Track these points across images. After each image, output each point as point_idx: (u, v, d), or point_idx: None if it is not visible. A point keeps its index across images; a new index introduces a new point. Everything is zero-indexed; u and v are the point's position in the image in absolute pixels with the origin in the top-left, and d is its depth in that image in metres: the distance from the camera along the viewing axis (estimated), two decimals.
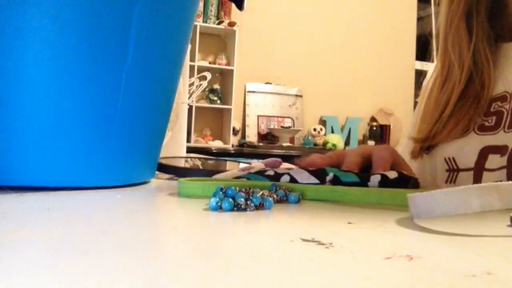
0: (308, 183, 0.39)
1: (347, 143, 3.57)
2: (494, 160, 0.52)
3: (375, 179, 0.38)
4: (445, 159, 0.56)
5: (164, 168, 0.53)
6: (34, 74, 0.34)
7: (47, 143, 0.35)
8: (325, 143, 3.39)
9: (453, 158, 0.55)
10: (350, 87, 3.59)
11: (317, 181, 0.39)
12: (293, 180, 0.40)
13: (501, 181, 0.51)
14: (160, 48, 0.39)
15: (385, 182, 0.38)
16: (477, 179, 0.52)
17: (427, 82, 0.65)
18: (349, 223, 0.28)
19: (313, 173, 0.40)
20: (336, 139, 3.40)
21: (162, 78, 0.41)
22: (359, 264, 0.19)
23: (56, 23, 0.33)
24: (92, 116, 0.36)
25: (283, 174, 0.40)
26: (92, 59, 0.35)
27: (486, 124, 0.53)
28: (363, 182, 0.39)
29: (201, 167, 0.60)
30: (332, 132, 3.55)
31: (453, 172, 0.55)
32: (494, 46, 0.56)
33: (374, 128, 3.61)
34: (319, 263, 0.19)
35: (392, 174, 0.39)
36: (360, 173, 0.40)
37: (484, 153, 0.53)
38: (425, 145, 0.58)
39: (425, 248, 0.23)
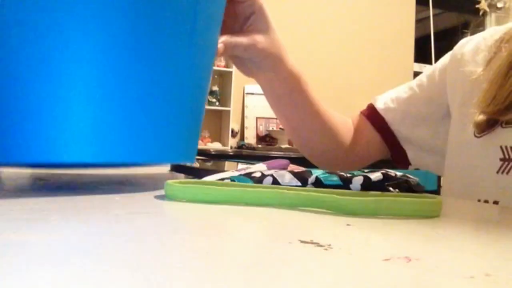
0: (291, 185, 0.39)
1: None
2: None
3: (357, 181, 0.38)
4: (500, 147, 0.52)
5: (180, 169, 0.53)
6: (82, 50, 0.33)
7: (93, 118, 0.34)
8: None
9: (511, 147, 0.51)
10: (348, 89, 3.60)
11: (299, 184, 0.39)
12: (275, 182, 0.40)
13: None
14: (210, 36, 0.41)
15: (367, 184, 0.38)
16: None
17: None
18: (348, 224, 0.28)
19: (296, 175, 0.40)
20: None
21: (207, 67, 0.42)
22: (357, 266, 0.19)
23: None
24: (141, 94, 0.36)
25: (267, 176, 0.40)
26: (151, 38, 0.35)
27: None
28: (345, 184, 0.38)
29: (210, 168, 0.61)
30: None
31: (508, 162, 0.51)
32: None
33: None
34: (318, 264, 0.19)
35: (375, 175, 0.38)
36: (343, 174, 0.40)
37: None
38: (496, 118, 0.53)
39: (424, 250, 0.23)
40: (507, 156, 0.51)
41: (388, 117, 0.66)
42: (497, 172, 0.51)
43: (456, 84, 0.61)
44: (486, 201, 0.52)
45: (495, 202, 0.51)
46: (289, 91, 0.61)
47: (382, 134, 0.66)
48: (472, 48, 0.61)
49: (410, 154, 0.66)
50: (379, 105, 0.67)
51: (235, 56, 0.55)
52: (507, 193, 0.51)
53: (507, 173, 0.51)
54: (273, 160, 0.52)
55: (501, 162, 0.51)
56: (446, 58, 0.65)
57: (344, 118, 0.69)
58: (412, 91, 0.66)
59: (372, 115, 0.67)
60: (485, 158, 0.53)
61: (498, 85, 0.52)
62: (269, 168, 0.46)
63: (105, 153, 0.35)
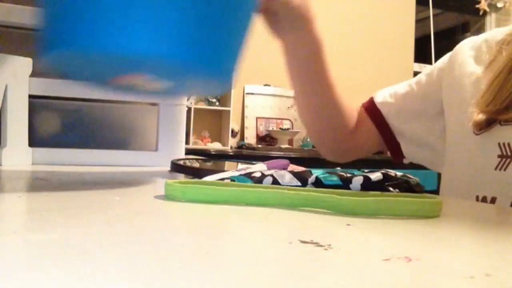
0: (290, 185, 0.39)
1: None
2: None
3: (357, 181, 0.38)
4: (498, 143, 0.53)
5: (180, 169, 0.53)
6: None
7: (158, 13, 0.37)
8: None
9: (508, 144, 0.52)
10: (348, 89, 3.59)
11: (299, 184, 0.39)
12: (275, 182, 0.40)
13: None
14: None
15: (367, 184, 0.38)
16: None
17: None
18: (348, 224, 0.28)
19: (296, 175, 0.40)
20: None
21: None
22: (357, 266, 0.19)
23: None
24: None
25: (267, 176, 0.40)
26: None
27: None
28: (345, 184, 0.38)
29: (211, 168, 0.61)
30: None
31: (506, 159, 0.52)
32: None
33: None
34: (318, 264, 0.19)
35: (375, 175, 0.38)
36: (343, 173, 0.40)
37: None
38: (495, 117, 0.53)
39: (424, 250, 0.23)
40: (504, 153, 0.52)
41: (384, 111, 0.68)
42: (495, 168, 0.52)
43: (454, 84, 0.62)
44: (484, 198, 0.53)
45: (493, 198, 0.52)
46: (310, 55, 0.64)
47: (378, 127, 0.69)
48: (474, 49, 0.62)
49: (404, 148, 0.68)
50: (378, 99, 0.70)
51: (270, 13, 0.58)
52: (504, 190, 0.51)
53: (505, 169, 0.51)
54: (273, 160, 0.52)
55: (499, 159, 0.52)
56: (445, 58, 0.66)
57: (350, 103, 0.72)
58: (410, 87, 0.68)
59: (370, 107, 0.71)
60: (484, 155, 0.54)
61: (499, 86, 0.53)
62: (269, 168, 0.46)
63: (163, 46, 0.37)
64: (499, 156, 0.52)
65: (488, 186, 0.53)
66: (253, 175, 0.41)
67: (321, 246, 0.22)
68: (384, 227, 0.28)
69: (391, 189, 0.38)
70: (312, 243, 0.22)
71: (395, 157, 0.70)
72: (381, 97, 0.70)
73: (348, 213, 0.32)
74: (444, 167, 0.64)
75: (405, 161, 0.70)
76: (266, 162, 0.50)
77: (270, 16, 0.59)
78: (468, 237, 0.28)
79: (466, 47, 0.63)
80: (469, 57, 0.61)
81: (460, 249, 0.24)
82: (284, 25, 0.60)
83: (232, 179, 0.40)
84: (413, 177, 0.41)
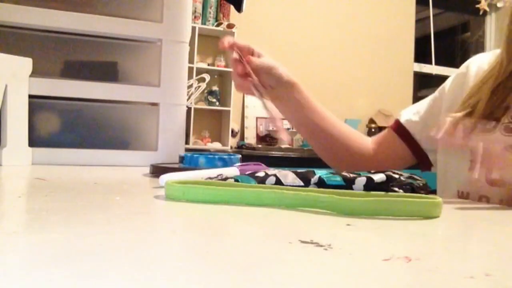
0: (293, 185, 0.39)
1: None
2: None
3: (360, 182, 0.38)
4: (470, 150, 0.62)
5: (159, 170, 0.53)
6: None
7: None
8: None
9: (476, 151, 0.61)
10: (348, 89, 3.60)
11: (302, 184, 0.39)
12: (278, 182, 0.40)
13: None
14: None
15: (370, 185, 0.38)
16: None
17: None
18: (348, 225, 0.28)
19: (299, 175, 0.40)
20: None
21: None
22: (357, 266, 0.19)
23: None
24: None
25: (270, 176, 0.40)
26: None
27: (511, 126, 0.59)
28: (348, 185, 0.38)
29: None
30: None
31: (474, 163, 0.60)
32: None
33: (373, 129, 3.61)
34: (318, 264, 0.19)
35: (378, 177, 0.38)
36: (346, 174, 0.40)
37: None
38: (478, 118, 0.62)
39: (423, 250, 0.23)
40: (473, 158, 0.61)
41: (410, 129, 0.77)
42: (469, 169, 0.62)
43: (456, 96, 0.68)
44: (462, 192, 0.63)
45: (467, 193, 0.62)
46: (303, 116, 0.74)
47: (408, 143, 0.78)
48: (480, 63, 0.68)
49: (432, 158, 0.76)
50: (402, 119, 0.79)
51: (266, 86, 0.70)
52: (473, 187, 0.61)
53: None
54: (246, 163, 0.52)
55: (470, 163, 0.62)
56: (456, 71, 0.72)
57: (355, 131, 0.81)
58: (428, 104, 0.75)
59: (397, 128, 0.79)
60: (462, 159, 0.64)
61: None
62: (241, 172, 0.46)
63: None
64: (471, 161, 0.62)
65: (462, 183, 0.64)
66: (256, 174, 0.41)
67: (321, 246, 0.22)
68: (384, 227, 0.28)
69: (395, 189, 0.38)
70: (312, 243, 0.22)
71: (423, 167, 0.77)
72: (406, 116, 0.78)
73: (348, 213, 0.32)
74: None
75: (433, 169, 0.77)
76: (238, 164, 0.51)
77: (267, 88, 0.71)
78: (468, 237, 0.28)
79: (475, 61, 0.69)
80: (473, 70, 0.68)
81: (460, 249, 0.24)
82: (275, 95, 0.71)
83: (236, 179, 0.40)
84: (420, 178, 0.40)
